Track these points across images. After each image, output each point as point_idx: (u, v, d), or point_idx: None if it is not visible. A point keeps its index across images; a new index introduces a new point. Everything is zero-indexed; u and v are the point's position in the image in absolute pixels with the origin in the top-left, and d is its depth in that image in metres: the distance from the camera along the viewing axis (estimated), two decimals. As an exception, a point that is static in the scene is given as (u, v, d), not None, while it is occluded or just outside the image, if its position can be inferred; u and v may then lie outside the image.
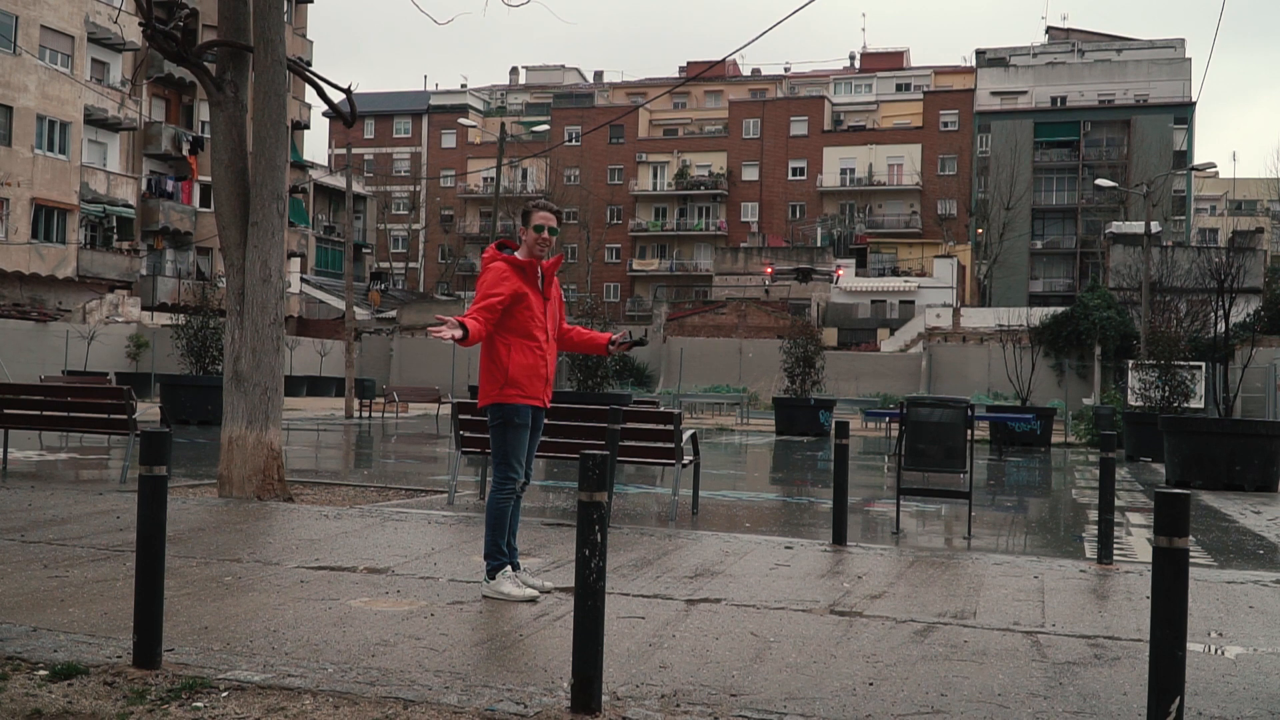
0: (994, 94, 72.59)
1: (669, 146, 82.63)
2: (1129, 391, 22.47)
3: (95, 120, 44.05)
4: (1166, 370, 20.49)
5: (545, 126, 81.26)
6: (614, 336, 6.47)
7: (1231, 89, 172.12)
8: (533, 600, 5.85)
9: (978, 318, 50.10)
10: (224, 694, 4.24)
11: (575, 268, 76.47)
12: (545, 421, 8.90)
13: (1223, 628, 5.83)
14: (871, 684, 4.53)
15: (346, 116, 11.37)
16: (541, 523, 8.92)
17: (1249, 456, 14.78)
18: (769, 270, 62.15)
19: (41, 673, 4.45)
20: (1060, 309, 45.09)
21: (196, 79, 10.95)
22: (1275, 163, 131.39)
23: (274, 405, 10.03)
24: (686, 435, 10.22)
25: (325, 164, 74.58)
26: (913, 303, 58.99)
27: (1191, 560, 5.78)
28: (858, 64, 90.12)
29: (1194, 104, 68.17)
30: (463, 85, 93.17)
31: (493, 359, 6.00)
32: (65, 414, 12.57)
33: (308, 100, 53.01)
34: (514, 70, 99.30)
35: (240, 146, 10.27)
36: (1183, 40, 76.23)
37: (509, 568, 6.01)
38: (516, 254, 6.05)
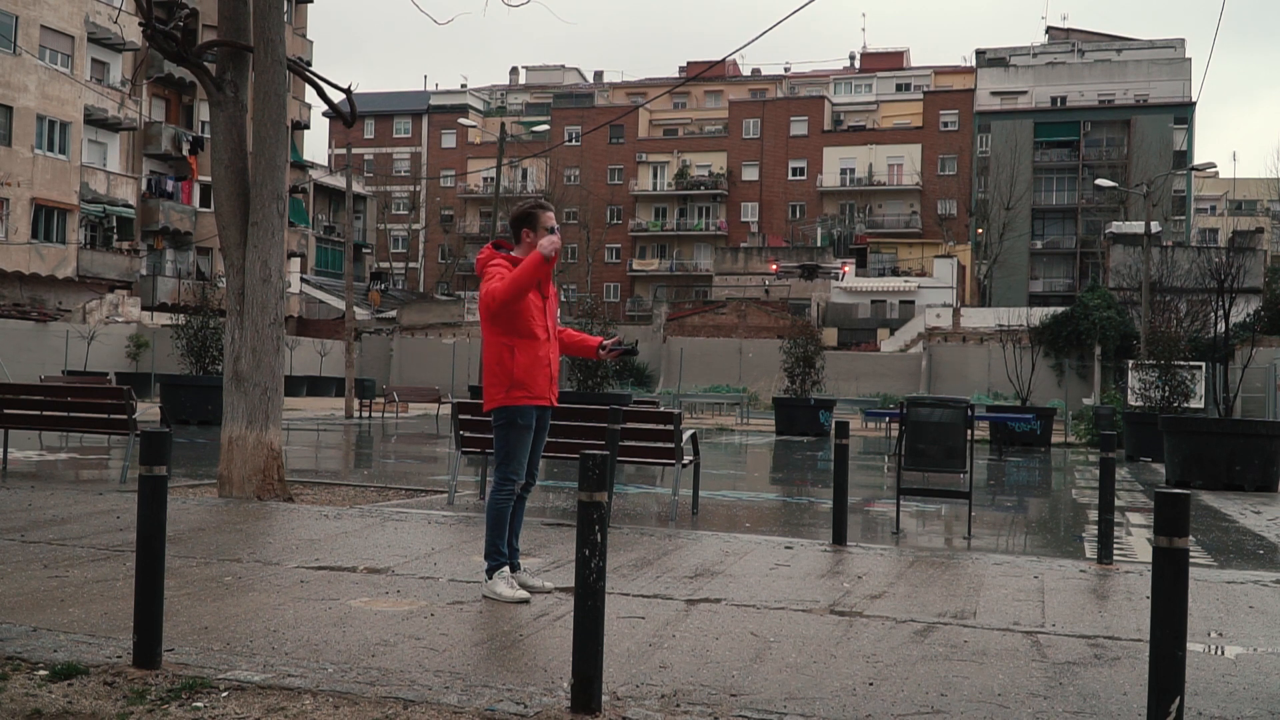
0: (994, 94, 72.59)
1: (669, 146, 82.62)
2: (1129, 391, 22.47)
3: (95, 120, 44.05)
4: (1166, 370, 20.49)
5: (545, 126, 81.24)
6: (605, 341, 6.45)
7: (1232, 89, 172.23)
8: (524, 602, 5.84)
9: (978, 318, 50.11)
10: (224, 694, 4.24)
11: (575, 268, 76.49)
12: (549, 422, 8.89)
13: (1223, 628, 5.83)
14: (871, 684, 4.53)
15: (346, 116, 11.37)
16: (541, 523, 8.92)
17: (1249, 456, 14.78)
18: (775, 268, 62.17)
19: (41, 673, 4.45)
20: (1060, 309, 45.11)
21: (196, 79, 10.95)
22: (1275, 163, 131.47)
23: (274, 405, 10.03)
24: (686, 435, 10.21)
25: (325, 164, 74.58)
26: (913, 303, 58.99)
27: (1191, 560, 5.78)
28: (858, 64, 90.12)
29: (1194, 104, 68.17)
30: (463, 85, 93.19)
31: (499, 362, 5.97)
32: (65, 414, 12.57)
33: (308, 100, 53.01)
34: (514, 70, 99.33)
35: (240, 146, 10.27)
36: (1183, 40, 76.25)
37: (506, 568, 6.01)
38: (514, 253, 6.04)
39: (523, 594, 5.89)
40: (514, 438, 6.02)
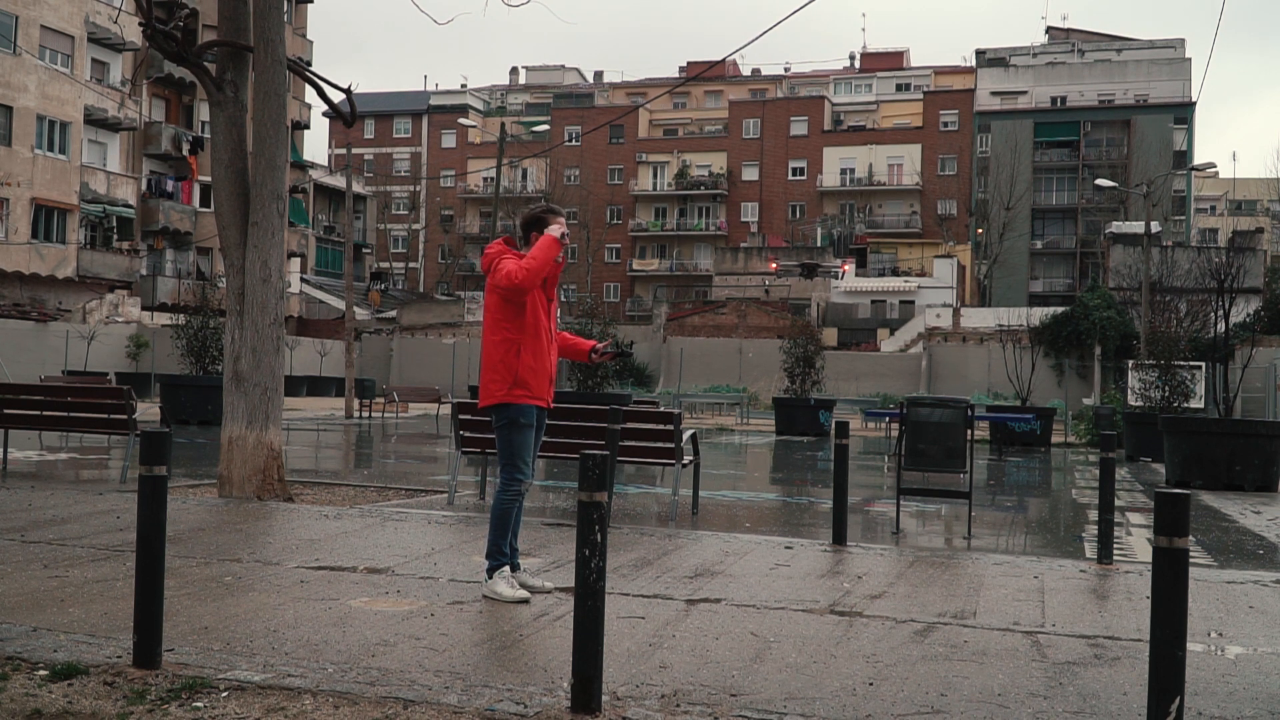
0: (994, 94, 72.59)
1: (669, 146, 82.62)
2: (1129, 391, 22.47)
3: (95, 120, 44.05)
4: (1166, 370, 20.48)
5: (545, 126, 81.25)
6: (597, 345, 6.45)
7: (1232, 89, 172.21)
8: (524, 601, 5.83)
9: (978, 318, 50.11)
10: (224, 694, 4.24)
11: (575, 268, 76.46)
12: (546, 421, 8.84)
13: (1223, 628, 5.83)
14: (871, 684, 4.53)
15: (346, 116, 11.37)
16: (541, 523, 8.92)
17: (1249, 456, 14.77)
18: (774, 265, 62.17)
19: (41, 673, 4.45)
20: (1060, 309, 45.11)
21: (196, 79, 10.95)
22: (1275, 163, 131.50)
23: (274, 405, 10.03)
24: (686, 435, 10.21)
25: (325, 164, 74.58)
26: (913, 303, 58.99)
27: (1191, 560, 5.78)
28: (858, 64, 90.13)
29: (1194, 104, 68.17)
30: (463, 85, 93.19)
31: (503, 359, 5.98)
32: (65, 414, 12.56)
33: (308, 100, 53.00)
34: (514, 70, 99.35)
35: (240, 146, 10.27)
36: (1183, 40, 76.25)
37: (507, 568, 6.01)
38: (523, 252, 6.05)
39: (523, 594, 5.89)
40: (517, 437, 6.03)
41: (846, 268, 62.49)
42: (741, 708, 4.17)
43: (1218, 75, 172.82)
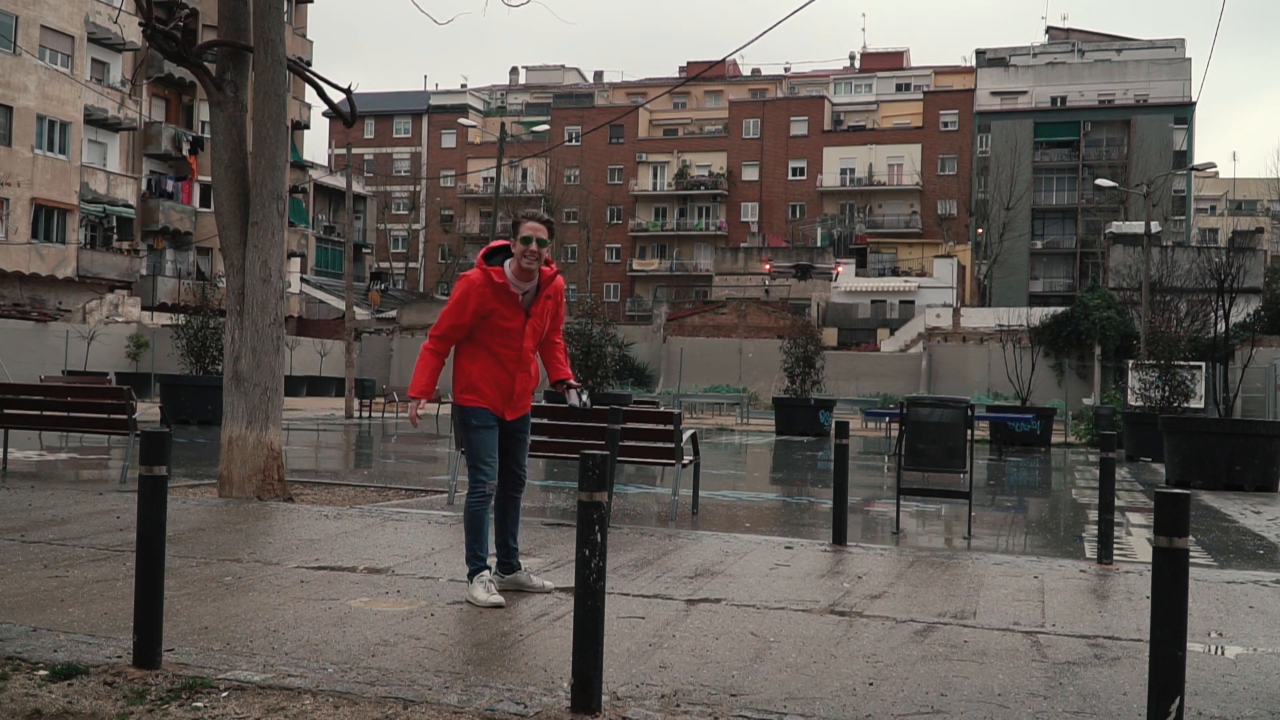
0: (994, 94, 72.59)
1: (669, 146, 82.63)
2: (1129, 391, 22.47)
3: (95, 120, 44.06)
4: (1166, 370, 20.48)
5: (545, 126, 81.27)
6: (572, 384, 6.31)
7: (1232, 89, 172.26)
8: (499, 607, 5.74)
9: (978, 318, 50.10)
10: (224, 694, 4.24)
11: (575, 268, 76.49)
12: (545, 421, 8.80)
13: (1223, 628, 5.83)
14: (871, 684, 4.53)
15: (346, 116, 11.37)
16: (541, 523, 8.92)
17: (1249, 456, 14.77)
18: (768, 266, 62.14)
19: (41, 673, 4.45)
20: (1060, 309, 45.12)
21: (196, 79, 10.95)
22: (1275, 163, 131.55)
23: (274, 405, 10.03)
24: (686, 435, 10.21)
25: (325, 164, 74.59)
26: (913, 303, 58.98)
27: (1191, 560, 5.78)
28: (858, 64, 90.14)
29: (1194, 104, 68.18)
30: (463, 85, 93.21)
31: (456, 365, 6.11)
32: (65, 414, 12.57)
33: (308, 100, 53.01)
34: (514, 70, 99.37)
35: (240, 146, 10.27)
36: (1183, 40, 76.26)
37: (485, 572, 5.95)
38: (507, 264, 6.01)
39: (497, 599, 5.81)
40: (474, 438, 6.00)
41: (841, 269, 62.46)
42: (741, 708, 4.17)
43: (1218, 75, 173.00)
